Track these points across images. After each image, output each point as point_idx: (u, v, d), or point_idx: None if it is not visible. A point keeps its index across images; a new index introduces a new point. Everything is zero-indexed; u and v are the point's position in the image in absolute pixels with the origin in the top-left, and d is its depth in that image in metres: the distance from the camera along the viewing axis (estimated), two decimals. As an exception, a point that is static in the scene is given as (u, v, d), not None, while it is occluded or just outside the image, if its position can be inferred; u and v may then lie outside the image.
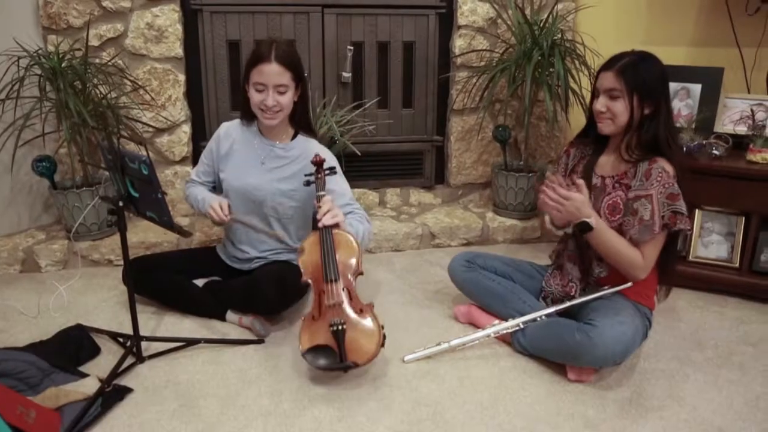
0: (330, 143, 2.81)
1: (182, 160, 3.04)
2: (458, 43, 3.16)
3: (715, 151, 2.50)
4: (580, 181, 1.86)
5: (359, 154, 2.95)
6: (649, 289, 1.99)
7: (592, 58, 2.88)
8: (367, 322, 1.84)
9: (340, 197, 2.14)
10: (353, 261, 1.95)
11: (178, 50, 2.89)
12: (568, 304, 2.00)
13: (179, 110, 2.96)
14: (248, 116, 2.22)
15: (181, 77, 2.94)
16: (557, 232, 2.06)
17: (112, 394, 1.75)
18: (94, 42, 2.78)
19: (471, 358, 2.01)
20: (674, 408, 1.77)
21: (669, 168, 1.83)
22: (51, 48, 2.70)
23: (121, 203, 1.81)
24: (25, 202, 2.85)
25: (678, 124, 2.60)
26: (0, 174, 2.71)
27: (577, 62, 2.88)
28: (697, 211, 2.53)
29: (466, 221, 3.10)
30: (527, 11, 3.01)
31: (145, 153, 1.70)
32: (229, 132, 2.26)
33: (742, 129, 2.61)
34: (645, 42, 3.06)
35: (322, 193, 2.02)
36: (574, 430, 1.67)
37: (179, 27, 2.87)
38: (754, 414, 1.75)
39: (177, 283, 2.26)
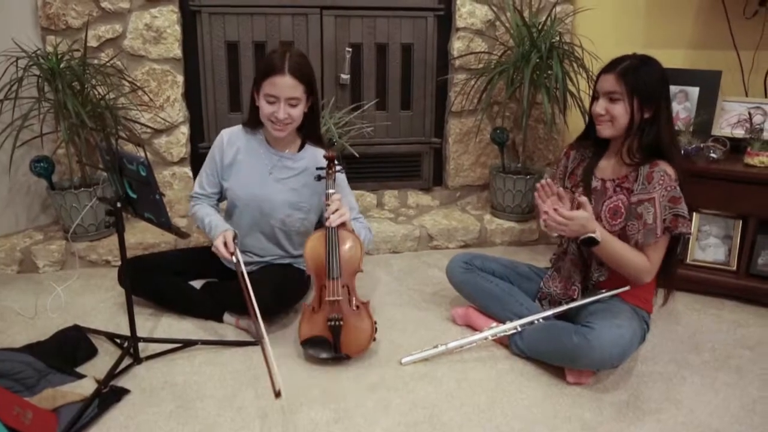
0: (328, 145, 2.81)
1: (180, 161, 3.04)
2: (456, 46, 3.16)
3: (712, 155, 2.51)
4: (583, 199, 1.83)
5: (357, 155, 2.95)
6: (647, 293, 2.00)
7: (590, 60, 2.89)
8: (363, 318, 1.97)
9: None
10: (355, 260, 2.01)
11: (177, 51, 2.89)
12: (565, 306, 2.00)
13: (177, 111, 2.96)
14: (254, 124, 2.18)
15: (180, 78, 2.94)
16: (553, 235, 2.06)
17: (109, 395, 1.75)
18: (92, 43, 2.79)
19: (468, 360, 2.01)
20: (671, 411, 1.77)
21: (671, 171, 1.83)
22: (50, 48, 2.70)
23: (118, 204, 1.81)
24: (23, 202, 2.85)
25: (676, 127, 2.60)
26: (-2, 174, 2.72)
27: (575, 65, 2.88)
28: (694, 214, 2.54)
29: (463, 223, 3.10)
30: (525, 14, 3.02)
31: (143, 154, 1.69)
32: (233, 140, 2.20)
33: (739, 132, 2.61)
34: (643, 45, 3.06)
35: (332, 191, 2.02)
36: (571, 432, 1.67)
37: (178, 28, 2.88)
38: (751, 417, 1.75)
39: (174, 285, 2.26)
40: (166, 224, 1.78)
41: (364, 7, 3.05)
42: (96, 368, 1.91)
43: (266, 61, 2.04)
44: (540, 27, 2.89)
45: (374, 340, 2.01)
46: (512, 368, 1.97)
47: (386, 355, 2.03)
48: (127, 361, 1.92)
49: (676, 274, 2.04)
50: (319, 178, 2.09)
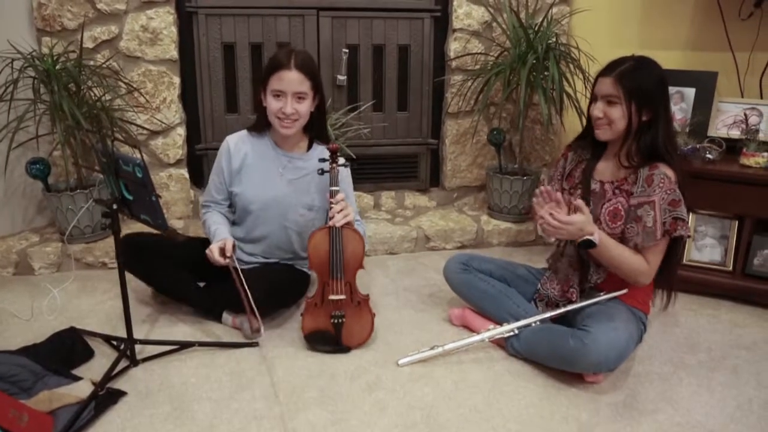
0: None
1: (177, 163, 3.03)
2: (453, 47, 3.16)
3: (708, 155, 2.51)
4: (579, 202, 1.83)
5: (354, 157, 2.95)
6: (645, 294, 2.00)
7: (586, 61, 2.89)
8: (363, 313, 2.07)
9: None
10: (358, 258, 2.03)
11: (173, 52, 2.89)
12: (563, 309, 2.00)
13: (174, 113, 2.96)
14: (260, 127, 2.18)
15: (176, 80, 2.93)
16: (550, 240, 2.06)
17: (105, 397, 1.74)
18: (88, 44, 2.78)
19: (465, 361, 2.01)
20: (668, 411, 1.77)
21: (671, 174, 1.83)
22: (45, 50, 2.69)
23: (115, 206, 1.80)
24: (19, 204, 2.84)
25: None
26: (-7, 176, 2.71)
27: (571, 66, 2.89)
28: (690, 214, 2.54)
29: (460, 224, 3.10)
30: (522, 15, 3.02)
31: (139, 156, 1.69)
32: (239, 146, 2.19)
33: (735, 133, 2.62)
34: (639, 46, 3.07)
35: (336, 188, 2.02)
36: (568, 433, 1.67)
37: (174, 29, 2.87)
38: (747, 417, 1.75)
39: (177, 274, 2.22)
40: (162, 226, 1.77)
41: (361, 8, 3.05)
42: (92, 370, 1.90)
43: (272, 59, 2.06)
44: (536, 28, 2.90)
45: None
46: (509, 369, 1.97)
47: (383, 356, 2.03)
48: (123, 363, 1.92)
49: (676, 276, 2.04)
50: (322, 172, 2.08)
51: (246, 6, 2.93)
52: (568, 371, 1.88)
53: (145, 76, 2.89)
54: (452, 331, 2.22)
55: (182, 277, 2.23)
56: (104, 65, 2.75)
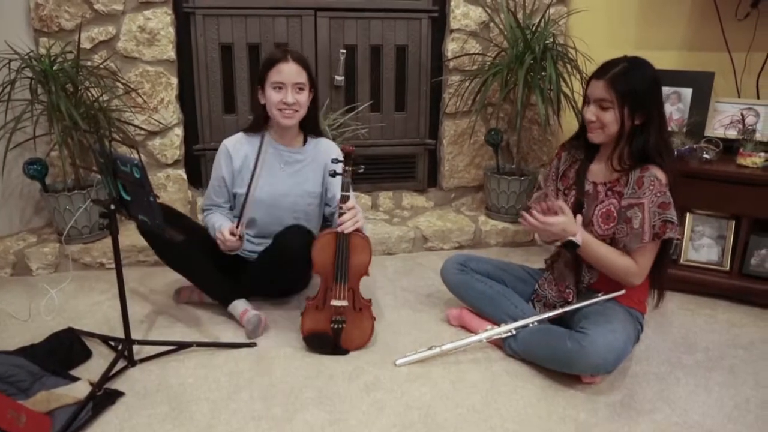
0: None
1: (174, 163, 3.03)
2: (451, 47, 3.17)
3: (705, 155, 2.52)
4: (560, 203, 1.86)
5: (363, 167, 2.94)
6: (641, 294, 2.00)
7: (583, 62, 2.90)
8: (364, 319, 2.05)
9: None
10: (363, 266, 2.02)
11: (171, 53, 2.89)
12: (560, 310, 2.00)
13: (171, 113, 2.96)
14: (257, 127, 2.22)
15: (174, 80, 2.93)
16: (547, 245, 2.08)
17: (103, 398, 1.74)
18: (85, 45, 2.77)
19: (463, 361, 2.01)
20: (665, 411, 1.78)
21: (661, 176, 1.83)
22: (42, 50, 2.68)
23: (112, 206, 1.80)
24: (17, 204, 2.84)
25: (669, 128, 2.61)
26: (-9, 177, 2.71)
27: (569, 66, 2.89)
28: (687, 214, 2.55)
29: (458, 224, 3.10)
30: (519, 15, 3.03)
31: (137, 156, 1.69)
32: (237, 147, 2.23)
33: (732, 133, 2.63)
34: (636, 46, 3.08)
35: (347, 194, 1.96)
36: (566, 433, 1.68)
37: (171, 30, 2.87)
38: (744, 416, 1.76)
39: (201, 256, 2.21)
40: (159, 226, 1.77)
41: (359, 8, 3.06)
42: (90, 371, 1.90)
43: (268, 57, 2.15)
44: (534, 29, 2.90)
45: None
46: (507, 370, 1.97)
47: (381, 356, 2.03)
48: (121, 364, 1.92)
49: (666, 276, 2.04)
50: (334, 173, 1.98)
51: (243, 6, 2.93)
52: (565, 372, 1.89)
53: (143, 77, 2.89)
54: (450, 331, 2.22)
55: (206, 259, 2.22)
56: (102, 66, 2.75)
